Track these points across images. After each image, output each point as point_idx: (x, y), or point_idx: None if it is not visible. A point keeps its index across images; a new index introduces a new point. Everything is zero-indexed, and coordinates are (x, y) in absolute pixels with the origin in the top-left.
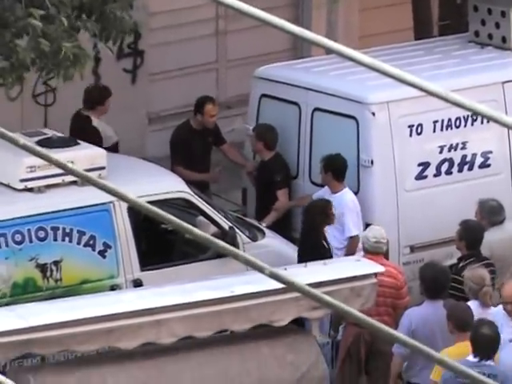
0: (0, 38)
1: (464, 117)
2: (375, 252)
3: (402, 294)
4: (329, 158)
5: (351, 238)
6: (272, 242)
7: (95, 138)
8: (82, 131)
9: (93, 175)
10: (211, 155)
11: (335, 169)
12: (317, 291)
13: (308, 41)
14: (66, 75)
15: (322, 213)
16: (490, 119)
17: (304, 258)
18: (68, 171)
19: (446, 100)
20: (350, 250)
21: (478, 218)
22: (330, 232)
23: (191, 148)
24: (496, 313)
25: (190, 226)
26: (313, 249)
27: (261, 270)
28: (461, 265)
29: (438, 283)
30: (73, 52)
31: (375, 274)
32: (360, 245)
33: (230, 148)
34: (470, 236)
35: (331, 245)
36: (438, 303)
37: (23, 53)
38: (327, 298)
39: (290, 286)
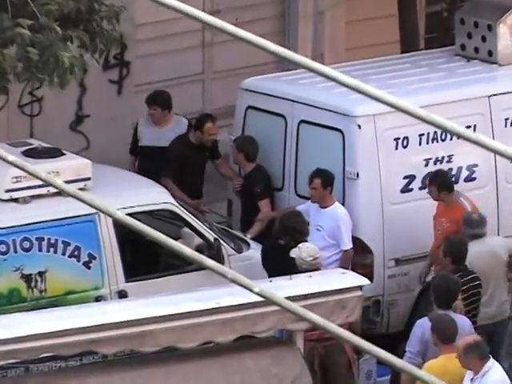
0: None
1: None
2: (314, 269)
3: None
4: (325, 172)
5: (345, 251)
6: (257, 253)
7: None
8: None
9: (78, 186)
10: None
11: (331, 183)
12: (303, 309)
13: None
14: (63, 82)
15: (296, 229)
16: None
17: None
18: (53, 184)
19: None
20: (344, 263)
21: (464, 230)
22: (320, 245)
23: (187, 161)
24: None
25: (176, 242)
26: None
27: (250, 288)
28: None
29: (450, 293)
30: (71, 61)
31: (360, 287)
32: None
33: (223, 162)
34: (454, 252)
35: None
36: (445, 312)
37: (9, 62)
38: (317, 317)
39: (281, 305)
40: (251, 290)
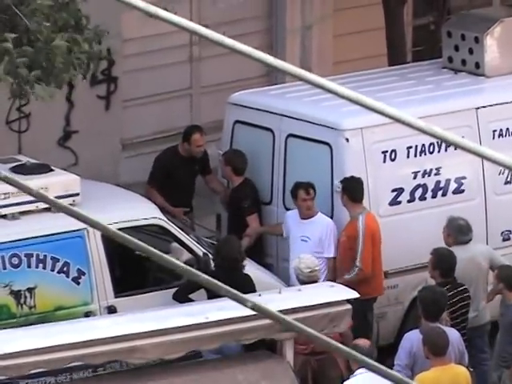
0: None
1: (437, 143)
2: (311, 281)
3: None
4: (307, 185)
5: (330, 258)
6: (247, 267)
7: None
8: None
9: (67, 201)
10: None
11: (313, 193)
12: (297, 323)
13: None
14: (59, 82)
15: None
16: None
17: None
18: (42, 199)
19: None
20: (332, 272)
21: (445, 235)
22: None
23: (176, 174)
24: None
25: (170, 257)
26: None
27: (243, 302)
28: None
29: (437, 305)
30: (69, 60)
31: (348, 300)
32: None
33: (214, 178)
34: (443, 264)
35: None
36: (435, 325)
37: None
38: (310, 330)
39: (274, 319)
40: (245, 305)
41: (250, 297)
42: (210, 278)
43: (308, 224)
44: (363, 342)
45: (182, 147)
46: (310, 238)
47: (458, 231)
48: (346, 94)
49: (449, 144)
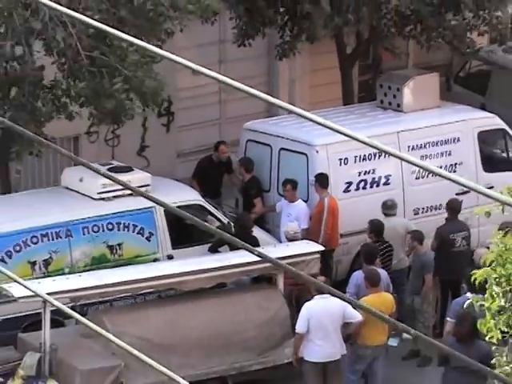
0: (95, 102)
1: (373, 153)
2: (294, 240)
3: None
4: (293, 180)
5: (304, 229)
6: (255, 231)
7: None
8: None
9: (142, 190)
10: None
11: (296, 187)
12: (285, 265)
13: (278, 107)
14: (155, 102)
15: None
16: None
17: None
18: (127, 187)
19: (370, 146)
20: (304, 236)
21: (382, 211)
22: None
23: (209, 173)
24: None
25: (205, 222)
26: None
27: (252, 252)
28: None
29: (372, 255)
30: (153, 85)
31: (318, 251)
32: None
33: (234, 175)
34: (376, 230)
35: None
36: (372, 267)
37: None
38: (294, 269)
39: (271, 262)
40: (253, 253)
41: (256, 249)
42: (231, 237)
43: (292, 206)
44: (323, 278)
45: (214, 155)
46: (292, 214)
47: (386, 208)
48: (317, 121)
49: (384, 153)
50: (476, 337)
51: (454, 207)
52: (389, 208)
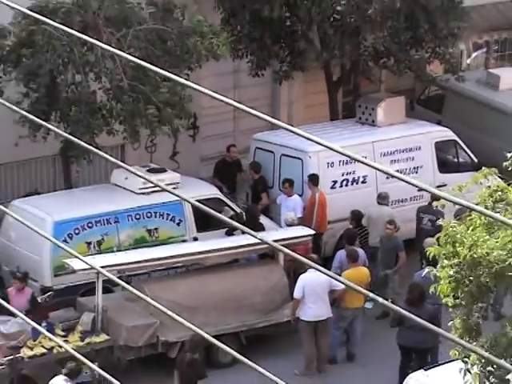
0: (131, 121)
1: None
2: (292, 225)
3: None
4: (290, 179)
5: (300, 218)
6: (261, 219)
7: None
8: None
9: (173, 187)
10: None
11: (293, 184)
12: (276, 244)
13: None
14: (187, 114)
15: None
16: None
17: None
18: (159, 187)
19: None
20: (300, 223)
21: (376, 200)
22: (288, 213)
23: (225, 172)
24: None
25: (220, 215)
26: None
27: (255, 236)
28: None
29: (353, 237)
30: (181, 104)
31: (310, 235)
32: (283, 223)
33: (245, 174)
34: (355, 218)
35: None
36: (352, 247)
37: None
38: (283, 248)
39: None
40: (255, 237)
41: (261, 233)
42: (239, 225)
43: (289, 200)
44: (315, 256)
45: (227, 156)
46: (290, 206)
47: (380, 198)
48: (301, 135)
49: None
50: (424, 301)
51: (433, 197)
52: (382, 198)
